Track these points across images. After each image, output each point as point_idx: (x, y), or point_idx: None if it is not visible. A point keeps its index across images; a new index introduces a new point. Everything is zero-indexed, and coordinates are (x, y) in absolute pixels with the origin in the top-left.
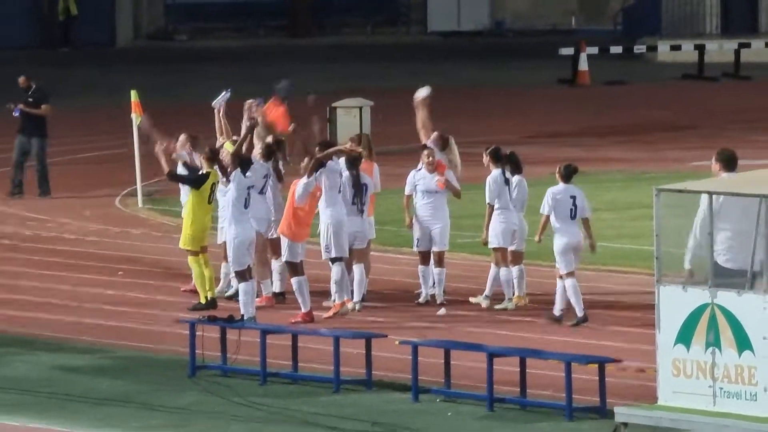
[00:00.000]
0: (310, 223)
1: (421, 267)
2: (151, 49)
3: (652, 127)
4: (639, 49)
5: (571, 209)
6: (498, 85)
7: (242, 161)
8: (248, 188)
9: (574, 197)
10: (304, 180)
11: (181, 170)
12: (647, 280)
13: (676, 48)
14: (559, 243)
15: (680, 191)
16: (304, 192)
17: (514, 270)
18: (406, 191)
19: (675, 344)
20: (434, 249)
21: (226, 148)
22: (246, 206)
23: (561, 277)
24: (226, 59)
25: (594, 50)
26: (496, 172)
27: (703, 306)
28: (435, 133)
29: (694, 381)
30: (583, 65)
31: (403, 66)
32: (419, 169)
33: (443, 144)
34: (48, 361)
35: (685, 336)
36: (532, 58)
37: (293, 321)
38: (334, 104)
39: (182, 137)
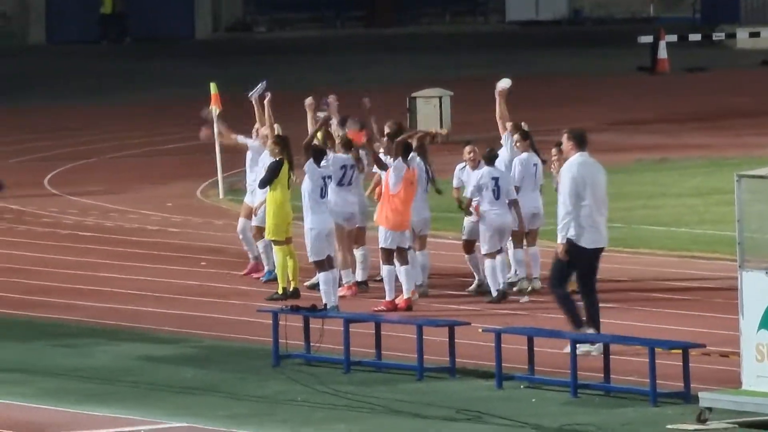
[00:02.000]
0: (407, 211)
1: (466, 256)
2: (230, 40)
3: (733, 114)
4: (718, 36)
5: (494, 190)
6: (577, 73)
7: (315, 151)
8: (323, 178)
9: (496, 179)
10: (394, 164)
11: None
12: (730, 266)
13: (755, 35)
14: (483, 224)
15: (762, 177)
16: (397, 177)
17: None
18: (454, 183)
19: (758, 329)
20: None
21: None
22: (322, 196)
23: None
24: (304, 50)
25: (673, 38)
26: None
27: None
28: (510, 123)
29: None
30: (662, 53)
31: (481, 55)
32: (463, 167)
33: (516, 131)
34: (131, 351)
35: None
36: (610, 46)
37: (376, 309)
38: (413, 94)
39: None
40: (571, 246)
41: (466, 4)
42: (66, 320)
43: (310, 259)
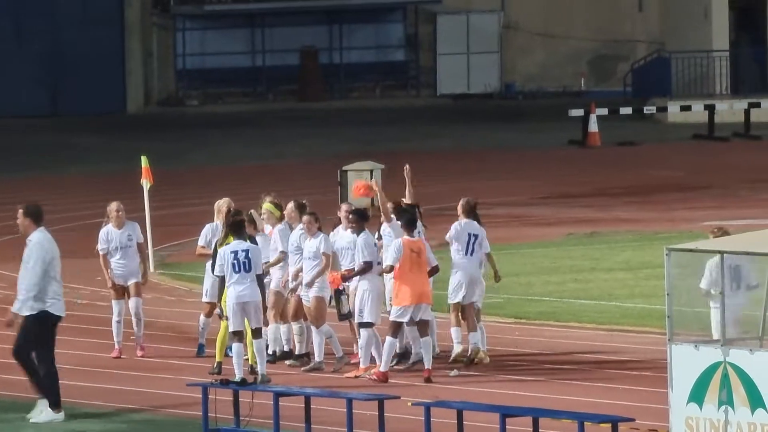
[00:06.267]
0: (414, 285)
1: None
2: (162, 115)
3: (664, 188)
4: (649, 110)
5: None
6: (509, 146)
7: (232, 226)
8: (233, 253)
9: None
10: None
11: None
12: (660, 339)
13: (686, 108)
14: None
15: (691, 251)
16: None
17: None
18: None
19: (688, 403)
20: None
21: (267, 208)
22: (236, 270)
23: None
24: (237, 124)
25: (604, 111)
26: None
27: (716, 364)
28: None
29: None
30: (593, 126)
31: (413, 128)
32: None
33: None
34: (60, 426)
35: (697, 394)
36: (542, 119)
37: (371, 377)
38: (344, 167)
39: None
40: (43, 316)
41: (397, 77)
42: None
43: (230, 329)
